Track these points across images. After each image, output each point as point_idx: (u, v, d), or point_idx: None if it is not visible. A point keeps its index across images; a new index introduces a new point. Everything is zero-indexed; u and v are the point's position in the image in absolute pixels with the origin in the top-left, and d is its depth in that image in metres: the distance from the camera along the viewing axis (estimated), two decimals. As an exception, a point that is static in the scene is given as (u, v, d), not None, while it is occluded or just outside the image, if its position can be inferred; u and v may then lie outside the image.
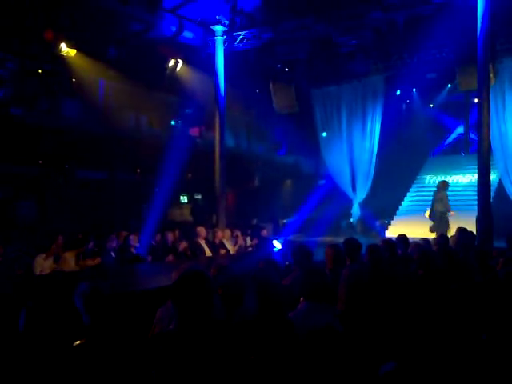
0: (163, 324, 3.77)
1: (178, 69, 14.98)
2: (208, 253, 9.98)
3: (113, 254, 8.95)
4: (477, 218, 10.33)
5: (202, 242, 10.18)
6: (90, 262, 8.59)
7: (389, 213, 16.83)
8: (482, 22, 10.33)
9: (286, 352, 2.87)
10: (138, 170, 16.29)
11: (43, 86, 13.54)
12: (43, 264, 8.19)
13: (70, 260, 8.47)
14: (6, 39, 12.03)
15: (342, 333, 2.85)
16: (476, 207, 10.55)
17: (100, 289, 3.05)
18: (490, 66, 11.04)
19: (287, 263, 6.17)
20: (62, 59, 12.97)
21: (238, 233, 12.10)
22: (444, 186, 12.71)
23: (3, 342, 2.68)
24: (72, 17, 11.96)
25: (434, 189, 13.12)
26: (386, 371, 2.89)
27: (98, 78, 14.78)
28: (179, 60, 14.83)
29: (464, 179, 17.04)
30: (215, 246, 10.47)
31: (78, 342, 2.75)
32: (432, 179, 18.01)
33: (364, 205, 16.70)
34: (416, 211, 16.53)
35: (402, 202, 17.50)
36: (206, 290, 2.70)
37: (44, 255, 8.38)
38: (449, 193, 12.87)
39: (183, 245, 10.41)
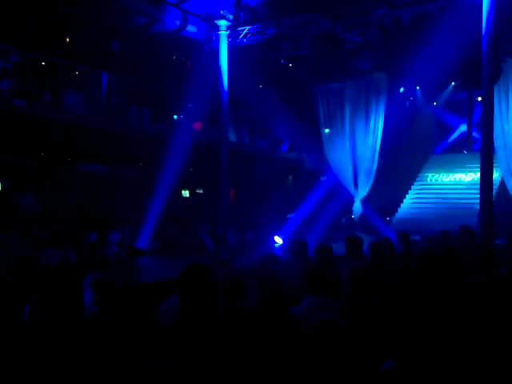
0: (165, 319, 3.77)
1: (181, 63, 14.95)
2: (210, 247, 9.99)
3: (114, 247, 8.96)
4: (479, 215, 10.34)
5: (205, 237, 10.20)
6: None
7: (390, 210, 16.83)
8: (488, 21, 10.31)
9: (287, 346, 2.88)
10: (140, 164, 16.28)
11: (46, 79, 13.52)
12: (51, 256, 8.19)
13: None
14: (9, 31, 12.01)
15: (344, 327, 2.86)
16: (478, 205, 10.56)
17: (111, 280, 3.07)
18: (495, 64, 11.01)
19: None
20: (66, 52, 12.95)
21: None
22: None
23: (8, 333, 2.71)
24: (76, 9, 11.94)
25: (437, 186, 13.11)
26: (387, 367, 2.90)
27: (101, 72, 14.77)
28: (182, 54, 14.80)
29: (466, 177, 17.03)
30: (217, 241, 10.49)
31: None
32: (434, 177, 18.01)
33: (366, 201, 16.71)
34: (418, 209, 16.57)
35: (404, 200, 17.50)
36: (209, 284, 2.71)
37: (53, 247, 8.37)
38: (451, 190, 12.86)
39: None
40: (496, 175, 12.79)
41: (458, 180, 17.25)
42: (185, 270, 2.72)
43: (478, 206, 10.63)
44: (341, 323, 2.85)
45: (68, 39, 13.19)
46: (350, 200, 16.99)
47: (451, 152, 20.01)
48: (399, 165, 17.82)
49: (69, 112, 13.42)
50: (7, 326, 2.80)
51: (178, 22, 13.36)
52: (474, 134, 18.99)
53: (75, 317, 2.82)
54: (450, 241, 6.33)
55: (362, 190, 16.75)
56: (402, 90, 18.14)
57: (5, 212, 12.53)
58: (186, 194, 19.01)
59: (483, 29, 10.34)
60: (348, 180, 16.95)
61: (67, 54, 13.29)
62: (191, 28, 13.72)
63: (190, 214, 15.95)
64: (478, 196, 10.59)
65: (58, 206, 13.33)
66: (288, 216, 16.94)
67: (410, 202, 17.37)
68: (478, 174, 10.92)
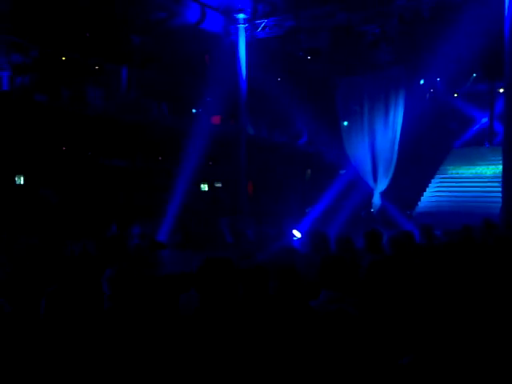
0: (187, 309, 3.81)
1: (201, 57, 14.98)
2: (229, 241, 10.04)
3: (136, 240, 9.04)
4: (501, 208, 10.21)
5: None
6: None
7: (410, 203, 16.70)
8: (510, 10, 10.13)
9: (303, 335, 2.89)
10: (160, 158, 16.39)
11: (67, 74, 13.67)
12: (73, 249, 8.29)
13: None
14: (29, 26, 12.15)
15: (356, 317, 2.87)
16: (500, 198, 10.43)
17: (127, 273, 3.11)
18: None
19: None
20: (86, 46, 13.07)
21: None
22: None
23: (24, 326, 2.76)
24: (95, 4, 12.03)
25: (458, 180, 12.97)
26: (406, 361, 2.89)
27: (120, 66, 14.88)
28: (201, 48, 14.82)
29: (488, 171, 16.80)
30: (236, 235, 10.52)
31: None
32: (455, 170, 17.81)
33: (385, 195, 16.59)
34: (439, 202, 16.40)
35: (424, 193, 17.34)
36: (229, 276, 2.73)
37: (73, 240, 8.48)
38: (473, 184, 12.69)
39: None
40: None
41: (479, 173, 17.04)
42: (204, 263, 2.75)
43: (500, 200, 10.49)
44: (352, 312, 2.85)
45: (88, 34, 13.30)
46: (370, 193, 16.89)
47: (473, 145, 19.75)
48: (419, 158, 17.65)
49: (89, 106, 13.56)
50: (24, 318, 2.86)
51: (196, 16, 13.39)
52: (496, 126, 18.71)
53: (95, 308, 2.85)
54: (472, 234, 6.26)
55: (382, 184, 16.63)
56: (422, 81, 17.93)
57: (27, 207, 12.73)
58: (204, 187, 19.09)
59: (505, 18, 10.15)
60: (367, 173, 16.84)
61: (87, 49, 13.40)
62: (210, 21, 13.73)
63: (209, 208, 16.05)
64: (500, 189, 10.45)
65: (79, 200, 13.49)
66: (307, 209, 16.92)
67: (430, 196, 17.21)
68: (500, 167, 10.77)
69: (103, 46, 13.39)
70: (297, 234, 11.38)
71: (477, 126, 20.95)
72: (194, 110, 16.96)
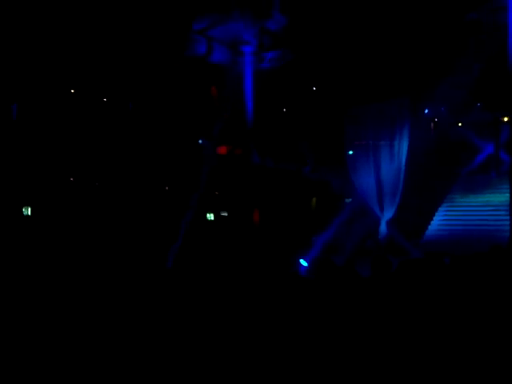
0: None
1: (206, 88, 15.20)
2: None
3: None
4: (509, 236, 10.18)
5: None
6: None
7: (418, 231, 16.63)
8: (513, 40, 10.28)
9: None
10: (167, 188, 16.47)
11: (75, 106, 13.89)
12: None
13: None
14: (41, 60, 12.43)
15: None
16: (508, 227, 10.40)
17: None
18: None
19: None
20: (94, 80, 13.31)
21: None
22: None
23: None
24: (102, 39, 12.30)
25: (465, 208, 12.96)
26: None
27: (127, 99, 15.11)
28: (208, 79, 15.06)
29: (495, 199, 16.76)
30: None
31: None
32: (462, 199, 17.80)
33: (392, 223, 16.52)
34: (446, 231, 16.33)
35: (431, 221, 17.28)
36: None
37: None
38: (480, 213, 12.67)
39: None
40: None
41: (486, 202, 16.99)
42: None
43: (507, 228, 10.46)
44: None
45: (95, 68, 13.55)
46: (376, 222, 16.83)
47: (479, 173, 19.75)
48: (426, 187, 17.65)
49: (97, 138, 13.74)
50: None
51: (203, 49, 13.64)
52: (502, 155, 18.74)
53: None
54: (481, 263, 6.23)
55: (388, 212, 16.58)
56: (426, 111, 18.08)
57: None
58: (210, 217, 19.08)
59: (508, 48, 10.30)
60: (373, 201, 16.82)
61: (94, 82, 13.64)
62: (216, 54, 13.98)
63: (215, 237, 16.03)
64: (508, 217, 10.43)
65: (84, 227, 13.51)
66: (313, 238, 16.88)
67: (437, 224, 17.16)
68: (507, 195, 10.78)
69: (110, 79, 13.63)
70: (303, 262, 11.34)
71: (482, 155, 20.95)
72: (200, 141, 17.11)
